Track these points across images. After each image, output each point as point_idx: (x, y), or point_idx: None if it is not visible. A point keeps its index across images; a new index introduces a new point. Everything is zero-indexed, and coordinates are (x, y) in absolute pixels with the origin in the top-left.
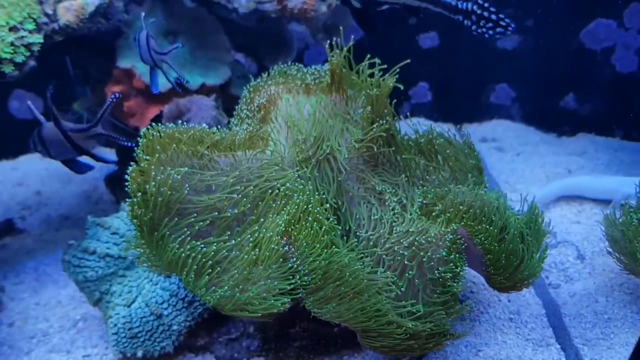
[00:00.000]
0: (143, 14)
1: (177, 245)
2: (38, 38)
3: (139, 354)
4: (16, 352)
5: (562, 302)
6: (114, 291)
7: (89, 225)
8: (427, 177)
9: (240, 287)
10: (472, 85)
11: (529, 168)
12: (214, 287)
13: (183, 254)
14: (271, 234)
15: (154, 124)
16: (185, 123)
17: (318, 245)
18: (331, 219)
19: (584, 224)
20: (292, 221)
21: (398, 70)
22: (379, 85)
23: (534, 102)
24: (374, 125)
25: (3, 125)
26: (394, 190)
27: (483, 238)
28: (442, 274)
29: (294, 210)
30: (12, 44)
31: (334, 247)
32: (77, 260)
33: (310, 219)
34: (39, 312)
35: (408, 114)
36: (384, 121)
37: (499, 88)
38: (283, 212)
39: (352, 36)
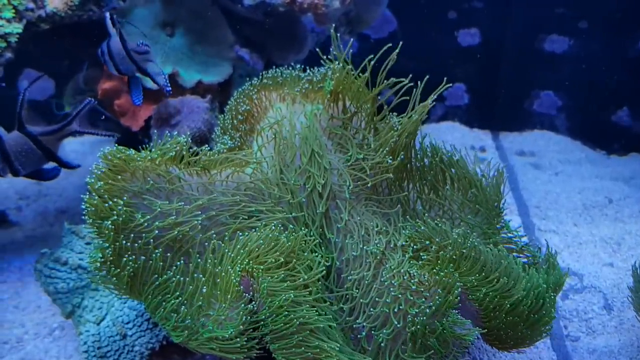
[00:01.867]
0: (107, 14)
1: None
2: (17, 28)
3: None
4: None
5: (578, 359)
6: (86, 305)
7: (64, 232)
8: (428, 211)
9: (201, 322)
10: (514, 90)
11: (565, 192)
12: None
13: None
14: (231, 270)
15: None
16: (173, 126)
17: (282, 293)
18: (307, 254)
19: (618, 268)
20: (256, 258)
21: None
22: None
23: (583, 113)
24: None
25: (12, 105)
26: (384, 229)
27: (482, 296)
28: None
29: (261, 246)
30: None
31: (300, 296)
32: (48, 271)
33: (275, 257)
34: (17, 317)
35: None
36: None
37: (544, 95)
38: (249, 245)
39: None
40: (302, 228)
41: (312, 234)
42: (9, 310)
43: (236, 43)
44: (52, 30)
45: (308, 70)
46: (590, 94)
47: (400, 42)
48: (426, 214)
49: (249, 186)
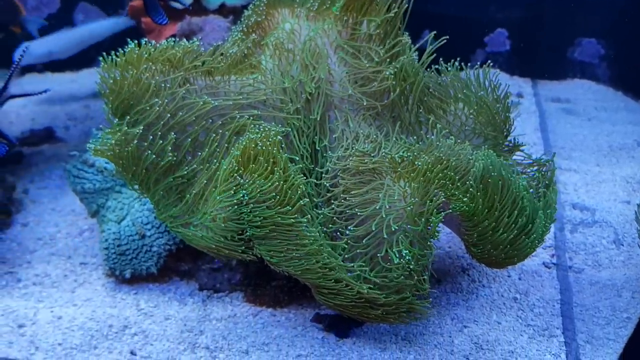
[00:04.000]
0: None
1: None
2: None
3: (127, 274)
4: (22, 250)
5: (578, 289)
6: (109, 206)
7: (93, 136)
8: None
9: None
10: (556, 38)
11: (593, 135)
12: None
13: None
14: (227, 169)
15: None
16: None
17: (270, 192)
18: (297, 160)
19: (635, 206)
20: (245, 158)
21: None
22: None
23: (626, 63)
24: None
25: None
26: (374, 137)
27: (460, 203)
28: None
29: (248, 145)
30: None
31: (286, 196)
32: (76, 171)
33: (264, 158)
34: (52, 217)
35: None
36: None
37: (586, 43)
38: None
39: None
40: (296, 134)
41: (304, 142)
42: (47, 212)
43: None
44: None
45: None
46: (636, 42)
47: None
48: (425, 131)
49: (249, 90)
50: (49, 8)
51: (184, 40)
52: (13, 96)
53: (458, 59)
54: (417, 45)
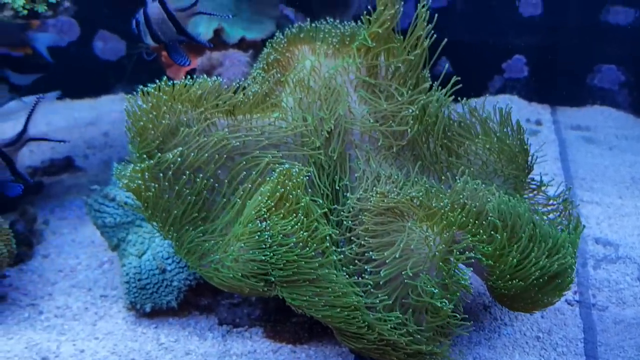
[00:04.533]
0: None
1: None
2: None
3: (148, 307)
4: (43, 282)
5: (602, 328)
6: (130, 240)
7: (114, 170)
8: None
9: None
10: (575, 64)
11: (614, 166)
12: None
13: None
14: (253, 212)
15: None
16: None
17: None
18: (320, 202)
19: None
20: (272, 200)
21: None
22: (415, 46)
23: None
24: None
25: (87, 65)
26: (396, 178)
27: (483, 246)
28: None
29: (275, 189)
30: None
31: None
32: (97, 205)
33: (289, 201)
34: (73, 249)
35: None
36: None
37: (606, 69)
38: (266, 187)
39: None
40: (316, 173)
41: (324, 181)
42: (67, 243)
43: (281, 1)
44: None
45: (342, 25)
46: None
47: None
48: (444, 169)
49: (271, 129)
50: (68, 36)
51: (205, 77)
52: (32, 139)
53: (475, 101)
54: (438, 82)
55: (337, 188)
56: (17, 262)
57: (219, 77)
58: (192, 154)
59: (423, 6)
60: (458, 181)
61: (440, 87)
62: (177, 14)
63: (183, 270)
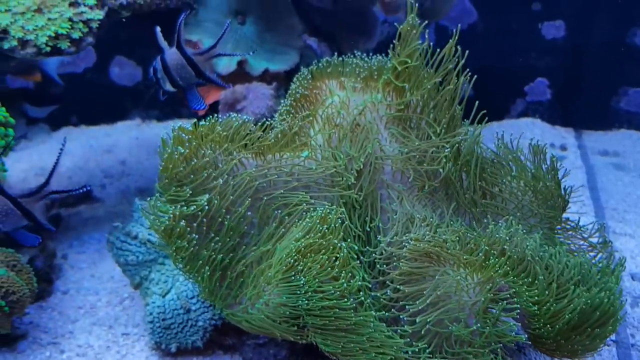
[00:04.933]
0: (158, 29)
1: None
2: (98, 14)
3: (173, 348)
4: (64, 319)
5: None
6: (153, 278)
7: (135, 208)
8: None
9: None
10: (600, 87)
11: None
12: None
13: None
14: (285, 256)
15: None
16: (239, 111)
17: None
18: (353, 245)
19: None
20: (306, 246)
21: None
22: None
23: None
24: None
25: (103, 91)
26: (431, 220)
27: (526, 295)
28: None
29: (309, 234)
30: (70, 19)
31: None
32: (119, 243)
33: (325, 249)
34: (92, 285)
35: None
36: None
37: (633, 93)
38: (300, 232)
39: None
40: (345, 212)
41: (355, 222)
42: (86, 279)
43: (305, 32)
44: (135, 18)
45: (369, 58)
46: None
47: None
48: (479, 209)
49: (300, 170)
50: (84, 62)
51: (233, 115)
52: (54, 192)
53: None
54: (461, 107)
55: (369, 229)
56: (37, 298)
57: (242, 114)
58: (219, 196)
59: (453, 38)
60: (495, 224)
61: (465, 120)
62: (196, 58)
63: (208, 309)
